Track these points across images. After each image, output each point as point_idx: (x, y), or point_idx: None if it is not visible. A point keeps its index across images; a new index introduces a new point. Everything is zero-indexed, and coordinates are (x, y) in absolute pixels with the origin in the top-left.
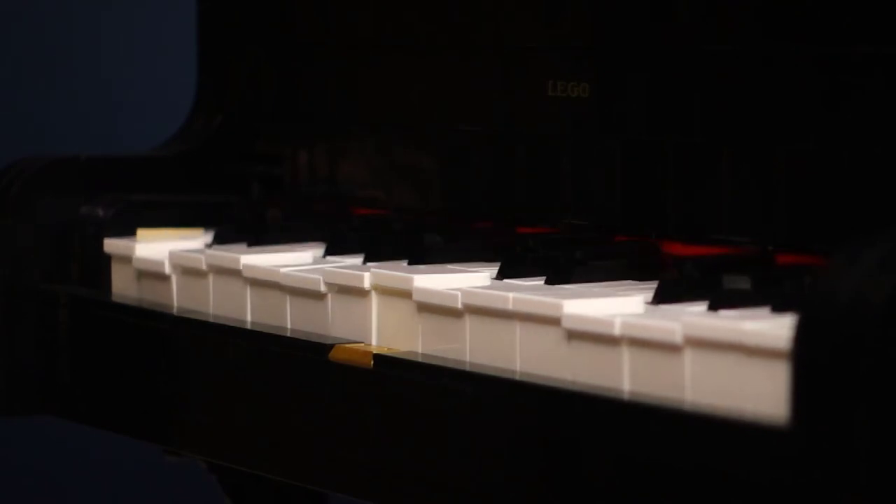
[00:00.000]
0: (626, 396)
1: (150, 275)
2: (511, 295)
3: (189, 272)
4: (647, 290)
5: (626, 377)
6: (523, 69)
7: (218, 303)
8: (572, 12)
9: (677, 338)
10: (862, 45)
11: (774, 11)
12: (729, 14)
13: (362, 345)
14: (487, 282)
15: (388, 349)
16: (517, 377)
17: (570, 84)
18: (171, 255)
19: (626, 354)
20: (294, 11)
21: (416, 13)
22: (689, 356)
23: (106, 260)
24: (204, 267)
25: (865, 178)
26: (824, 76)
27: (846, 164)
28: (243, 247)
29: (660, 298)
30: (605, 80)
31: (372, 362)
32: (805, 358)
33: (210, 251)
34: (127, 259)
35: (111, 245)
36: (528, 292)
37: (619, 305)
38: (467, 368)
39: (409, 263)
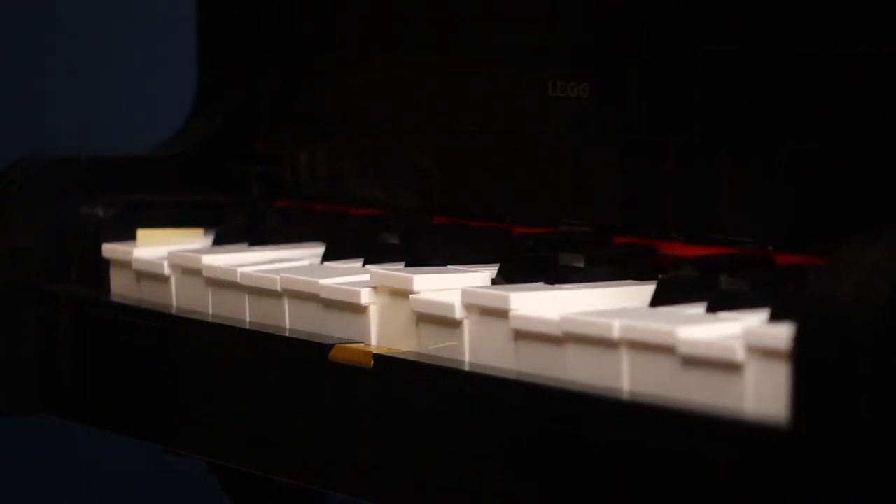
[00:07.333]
0: (625, 396)
1: (149, 276)
2: (511, 295)
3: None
4: (637, 290)
5: (624, 378)
6: (523, 69)
7: (216, 302)
8: (572, 12)
9: (674, 339)
10: (862, 45)
11: (774, 11)
12: (729, 14)
13: (362, 345)
14: (487, 282)
15: (388, 349)
16: (517, 377)
17: (570, 84)
18: (170, 255)
19: (624, 356)
20: (294, 12)
21: (417, 13)
22: (685, 356)
23: (106, 260)
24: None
25: (865, 178)
26: (824, 76)
27: (846, 164)
28: (244, 247)
29: (658, 300)
30: (605, 80)
31: (372, 362)
32: (805, 358)
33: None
34: (125, 263)
35: (109, 250)
36: (529, 291)
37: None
38: (466, 368)
39: (408, 265)
